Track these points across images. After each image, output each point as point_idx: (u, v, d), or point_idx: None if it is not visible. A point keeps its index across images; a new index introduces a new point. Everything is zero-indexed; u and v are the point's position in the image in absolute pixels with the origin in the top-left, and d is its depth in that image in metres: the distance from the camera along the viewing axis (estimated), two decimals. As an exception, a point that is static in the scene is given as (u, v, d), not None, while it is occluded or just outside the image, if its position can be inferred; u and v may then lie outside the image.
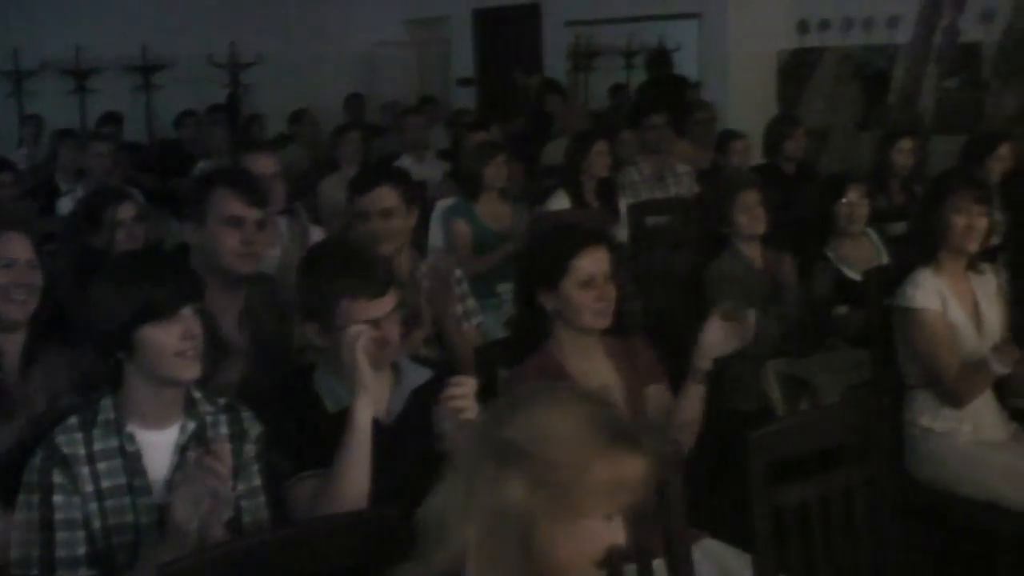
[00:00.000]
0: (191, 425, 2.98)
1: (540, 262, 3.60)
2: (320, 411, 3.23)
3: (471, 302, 4.82)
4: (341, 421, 3.11)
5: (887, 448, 3.35)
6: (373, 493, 3.06)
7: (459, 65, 14.02)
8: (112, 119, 11.48)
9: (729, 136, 8.17)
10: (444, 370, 3.44)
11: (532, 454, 1.99)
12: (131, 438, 2.90)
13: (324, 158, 9.54)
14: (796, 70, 10.94)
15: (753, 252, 5.45)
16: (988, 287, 4.54)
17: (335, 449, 3.06)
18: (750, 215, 5.40)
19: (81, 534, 2.82)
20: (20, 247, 3.56)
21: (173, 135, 11.79)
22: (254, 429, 3.08)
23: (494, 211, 6.58)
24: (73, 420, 2.90)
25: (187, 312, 2.89)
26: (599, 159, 7.16)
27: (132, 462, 2.89)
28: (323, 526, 2.80)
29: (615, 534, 2.05)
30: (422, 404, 3.18)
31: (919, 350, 4.35)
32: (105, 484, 2.86)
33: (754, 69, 10.79)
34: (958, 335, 4.34)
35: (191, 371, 2.91)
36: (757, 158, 8.12)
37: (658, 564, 3.06)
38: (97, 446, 2.87)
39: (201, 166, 9.00)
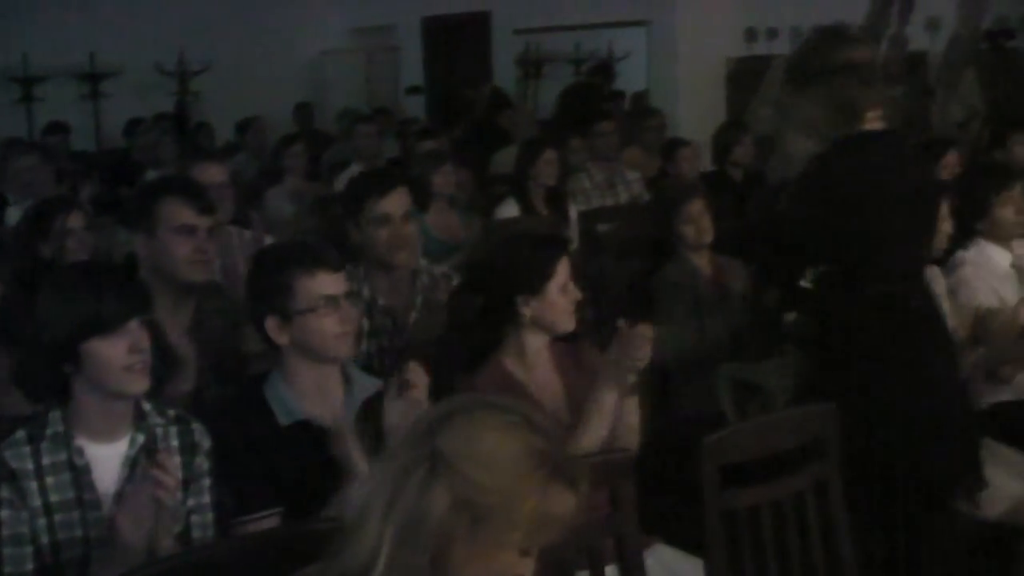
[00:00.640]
0: (140, 438, 2.95)
1: (524, 268, 3.58)
2: (271, 424, 3.21)
3: None
4: (292, 435, 3.11)
5: (838, 452, 3.36)
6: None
7: (408, 73, 14.02)
8: (58, 128, 11.38)
9: (677, 143, 8.21)
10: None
11: (463, 472, 1.93)
12: (80, 452, 2.87)
13: (270, 168, 9.50)
14: (745, 78, 10.99)
15: (701, 260, 5.46)
16: (938, 288, 4.57)
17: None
18: (696, 226, 5.40)
19: (29, 550, 2.80)
20: None
21: (122, 144, 11.70)
22: (205, 442, 3.06)
23: (443, 220, 6.57)
24: (21, 433, 2.87)
25: (134, 325, 2.86)
26: (547, 167, 7.16)
27: (81, 476, 2.86)
28: (273, 536, 2.79)
29: (524, 570, 2.01)
30: (374, 414, 3.17)
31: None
32: (54, 498, 2.83)
33: (703, 76, 10.85)
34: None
35: (139, 385, 2.88)
36: (706, 165, 8.15)
37: (610, 570, 3.05)
38: (45, 460, 2.84)
39: (149, 175, 8.93)
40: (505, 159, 8.90)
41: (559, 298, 3.55)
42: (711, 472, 3.06)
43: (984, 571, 4.32)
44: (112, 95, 13.51)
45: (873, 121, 3.96)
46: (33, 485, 2.82)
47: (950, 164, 6.55)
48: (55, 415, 2.89)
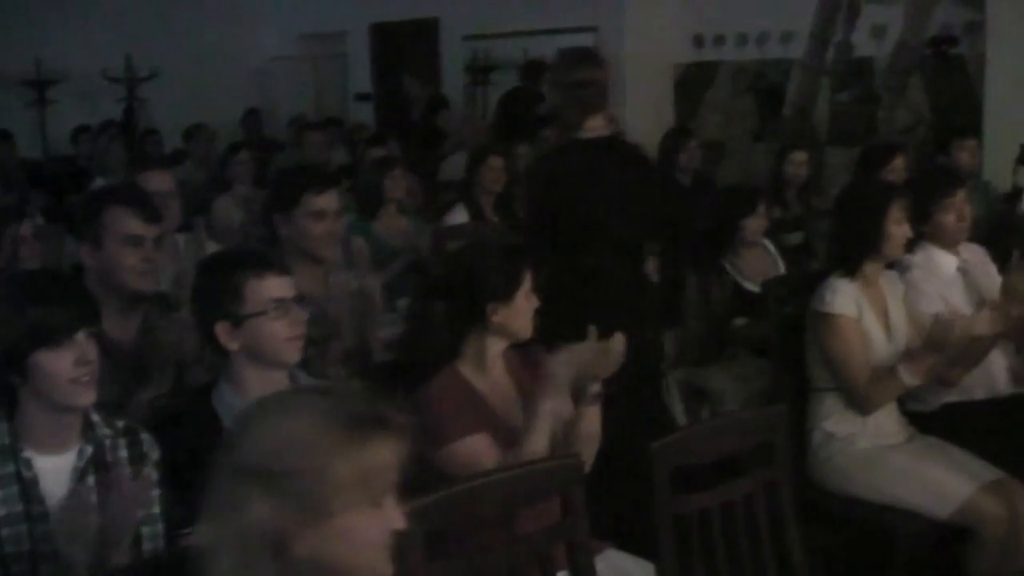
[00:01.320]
0: (89, 449, 2.92)
1: (496, 276, 3.58)
2: (220, 433, 3.18)
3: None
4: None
5: (788, 454, 3.39)
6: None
7: (356, 80, 13.99)
8: (2, 136, 11.29)
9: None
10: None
11: (268, 469, 1.96)
12: (28, 464, 2.84)
13: (217, 175, 9.46)
14: (692, 83, 11.06)
15: (650, 265, 5.48)
16: (896, 292, 4.61)
17: None
18: None
19: (-25, 564, 2.77)
20: None
21: (68, 151, 11.62)
22: (154, 452, 3.03)
23: (392, 227, 6.58)
24: (-33, 445, 2.84)
25: (82, 337, 2.83)
26: (492, 174, 7.17)
27: (29, 488, 2.83)
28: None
29: (390, 518, 2.04)
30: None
31: (833, 355, 4.39)
32: (1, 512, 2.80)
33: (651, 82, 10.88)
34: (871, 341, 4.41)
35: (86, 397, 2.86)
36: (655, 170, 8.18)
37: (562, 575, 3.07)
38: (-8, 472, 2.82)
39: (97, 183, 8.88)
40: (454, 166, 8.91)
41: (525, 304, 3.57)
42: (661, 476, 3.07)
43: (934, 571, 4.37)
44: (58, 102, 13.38)
45: (596, 129, 4.97)
46: (-20, 498, 2.79)
47: (897, 168, 6.62)
48: (2, 427, 2.86)
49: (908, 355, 4.37)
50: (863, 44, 9.84)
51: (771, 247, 6.06)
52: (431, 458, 3.40)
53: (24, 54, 12.99)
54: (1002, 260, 4.91)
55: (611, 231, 4.96)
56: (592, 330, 3.50)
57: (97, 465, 2.91)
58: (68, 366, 2.80)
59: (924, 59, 9.27)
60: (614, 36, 10.80)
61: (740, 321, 5.54)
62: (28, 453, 2.85)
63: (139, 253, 3.82)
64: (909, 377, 4.26)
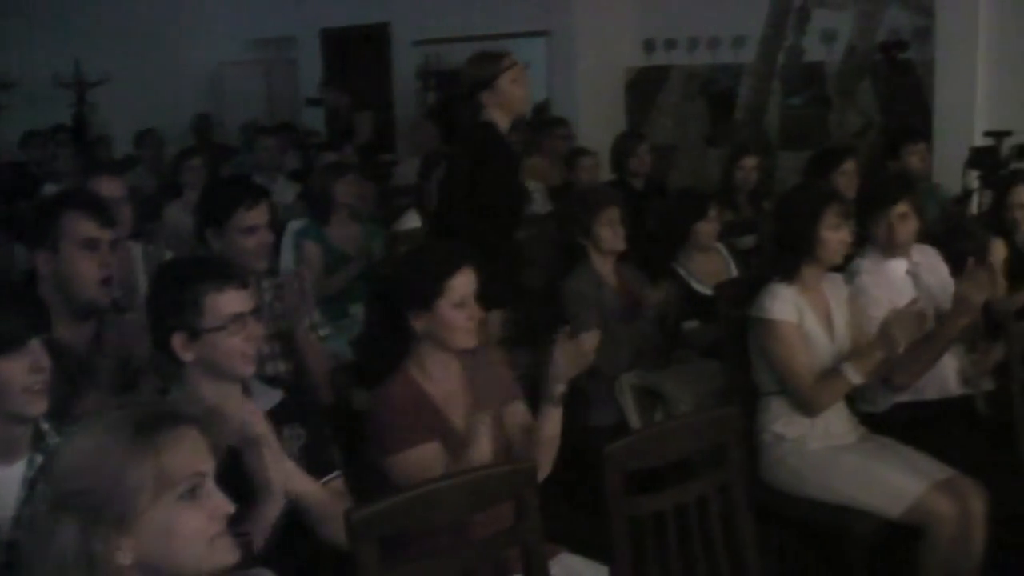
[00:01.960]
0: (39, 458, 2.89)
1: (414, 283, 3.57)
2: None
3: (317, 315, 4.83)
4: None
5: (740, 455, 3.40)
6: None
7: (308, 85, 13.94)
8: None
9: (578, 153, 8.26)
10: (295, 390, 3.43)
11: (70, 491, 2.00)
12: (-22, 474, 2.82)
13: (169, 181, 9.41)
14: (644, 88, 11.09)
15: (607, 268, 5.50)
16: (840, 295, 4.64)
17: None
18: (613, 230, 5.46)
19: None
20: None
21: (18, 157, 11.52)
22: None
23: (344, 232, 6.56)
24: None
25: (35, 345, 2.81)
26: None
27: (-22, 498, 2.81)
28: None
29: (210, 507, 2.08)
30: (275, 427, 3.15)
31: (776, 360, 4.42)
32: (-50, 522, 2.78)
33: (602, 86, 10.91)
34: (813, 345, 4.43)
35: (38, 406, 2.83)
36: (606, 174, 8.20)
37: (517, 580, 3.08)
38: (-57, 481, 2.79)
39: (47, 189, 8.82)
40: (407, 171, 8.90)
41: (453, 314, 3.52)
42: (614, 480, 3.08)
43: (885, 569, 4.39)
44: (7, 107, 13.26)
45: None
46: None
47: (848, 171, 6.66)
48: (-49, 436, 2.84)
49: (855, 352, 4.41)
50: (813, 49, 9.91)
51: (723, 250, 6.08)
52: (381, 465, 3.40)
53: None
54: (955, 262, 4.95)
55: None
56: (566, 329, 3.51)
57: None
58: (21, 374, 2.78)
59: (874, 64, 9.34)
60: (566, 41, 10.82)
61: (691, 324, 5.56)
62: (-22, 463, 2.83)
63: (95, 258, 3.80)
64: (855, 375, 4.30)
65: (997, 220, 5.93)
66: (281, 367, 4.50)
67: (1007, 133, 6.87)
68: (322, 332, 4.81)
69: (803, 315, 4.43)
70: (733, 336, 4.70)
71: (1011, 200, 5.89)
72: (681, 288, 5.63)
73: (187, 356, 3.15)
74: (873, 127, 9.39)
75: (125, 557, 2.00)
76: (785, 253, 4.50)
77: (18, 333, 2.80)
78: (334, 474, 3.25)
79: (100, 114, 13.67)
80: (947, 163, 7.38)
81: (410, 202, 7.44)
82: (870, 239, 4.89)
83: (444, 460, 3.37)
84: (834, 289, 4.64)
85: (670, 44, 10.76)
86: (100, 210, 3.92)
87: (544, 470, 3.46)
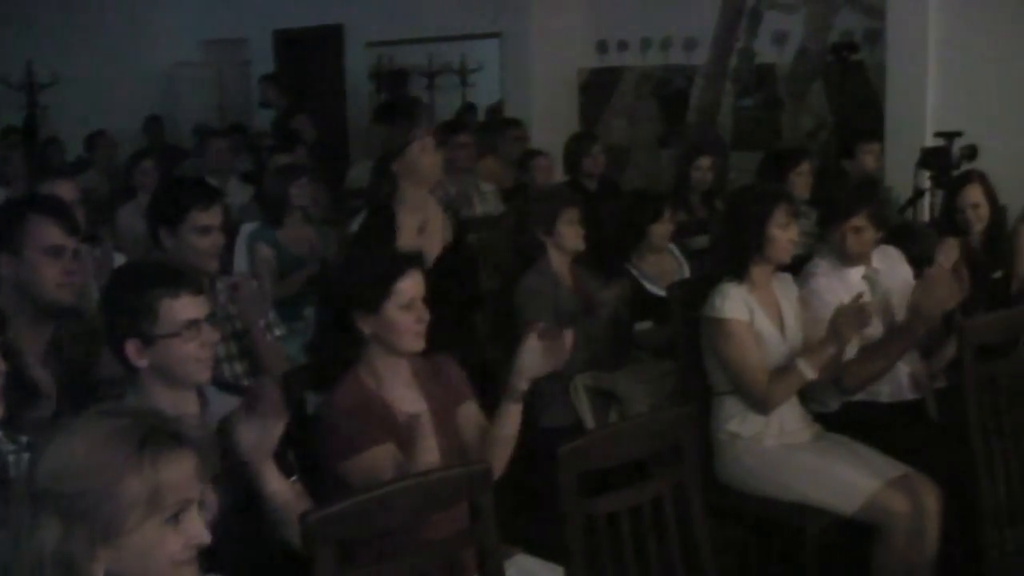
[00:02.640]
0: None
1: (360, 285, 3.56)
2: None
3: (272, 315, 4.81)
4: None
5: (695, 455, 3.41)
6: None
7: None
8: None
9: (531, 154, 8.26)
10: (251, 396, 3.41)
11: (59, 492, 1.97)
12: (-71, 477, 2.80)
13: (121, 184, 9.35)
14: (597, 89, 11.10)
15: (563, 268, 5.50)
16: (790, 294, 4.66)
17: None
18: (574, 230, 5.46)
19: None
20: None
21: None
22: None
23: (297, 235, 6.53)
24: None
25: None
26: None
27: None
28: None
29: (189, 533, 2.06)
30: (231, 433, 3.13)
31: (727, 359, 4.44)
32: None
33: (556, 88, 10.92)
34: (765, 343, 4.45)
35: None
36: (559, 176, 8.21)
37: (472, 581, 3.07)
38: None
39: (-1, 192, 8.74)
40: (360, 173, 8.87)
41: (400, 317, 3.51)
42: (569, 480, 3.08)
43: (839, 567, 4.42)
44: (-43, 109, 13.18)
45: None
46: None
47: (805, 172, 6.72)
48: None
49: (807, 348, 4.43)
50: (765, 51, 9.95)
51: (676, 251, 6.10)
52: (334, 469, 3.39)
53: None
54: (917, 263, 5.00)
55: None
56: (540, 326, 3.50)
57: (2, 482, 2.86)
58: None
59: (826, 65, 9.38)
60: (519, 42, 10.83)
61: (644, 325, 5.57)
62: (-71, 467, 2.80)
63: (60, 265, 3.78)
64: (808, 370, 4.32)
65: (950, 220, 5.99)
66: (238, 368, 4.49)
67: (958, 134, 6.91)
68: (278, 332, 4.80)
69: (754, 313, 4.45)
70: (686, 336, 4.71)
71: (962, 201, 5.93)
72: (634, 289, 5.63)
73: (141, 363, 3.12)
74: (825, 128, 9.44)
75: (99, 568, 1.98)
76: (734, 252, 4.52)
77: None
78: (292, 478, 3.24)
79: (51, 117, 13.57)
80: (898, 164, 7.43)
81: (363, 204, 7.41)
82: (827, 243, 4.91)
83: (399, 462, 3.36)
84: (784, 288, 4.66)
85: (623, 45, 10.78)
86: (67, 217, 3.90)
87: (498, 469, 3.46)
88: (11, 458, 2.92)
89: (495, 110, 11.55)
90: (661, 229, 5.86)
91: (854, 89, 9.06)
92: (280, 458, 3.16)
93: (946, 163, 6.81)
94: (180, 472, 2.03)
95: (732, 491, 4.48)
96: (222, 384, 3.53)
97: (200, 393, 3.25)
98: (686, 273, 5.96)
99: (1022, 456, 4.04)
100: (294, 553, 2.88)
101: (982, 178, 6.03)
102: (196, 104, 14.09)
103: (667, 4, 10.35)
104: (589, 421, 5.15)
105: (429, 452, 3.33)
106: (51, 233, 3.79)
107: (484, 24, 11.10)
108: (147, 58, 14.32)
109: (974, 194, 5.96)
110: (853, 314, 4.29)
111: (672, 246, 6.06)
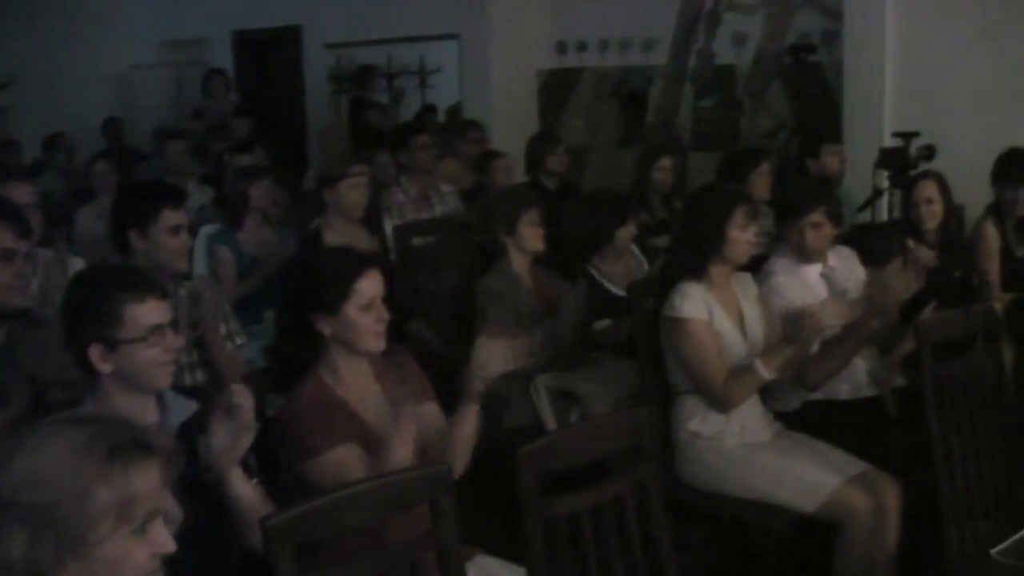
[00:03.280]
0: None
1: (320, 286, 3.55)
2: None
3: (234, 323, 4.79)
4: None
5: (656, 455, 3.41)
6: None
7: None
8: None
9: (491, 155, 8.26)
10: (211, 401, 3.39)
11: (28, 501, 1.95)
12: None
13: (80, 186, 9.29)
14: (556, 90, 11.11)
15: (524, 269, 5.50)
16: (750, 293, 4.68)
17: None
18: (535, 231, 5.47)
19: None
20: None
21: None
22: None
23: (257, 237, 6.50)
24: None
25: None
26: None
27: None
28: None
29: (156, 544, 2.05)
30: (191, 438, 3.11)
31: (687, 358, 4.45)
32: None
33: (515, 89, 10.91)
34: (725, 342, 4.47)
35: None
36: (519, 177, 8.21)
37: (434, 583, 3.06)
38: None
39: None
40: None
41: (360, 318, 3.51)
42: (530, 481, 3.08)
43: (800, 564, 4.44)
44: (-89, 111, 13.06)
45: None
46: None
47: (764, 172, 6.76)
48: None
49: (765, 349, 4.46)
50: (724, 52, 9.98)
51: (636, 251, 6.11)
52: (298, 470, 3.38)
53: None
54: (872, 262, 5.04)
55: None
56: (496, 327, 3.50)
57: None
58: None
59: (784, 66, 9.43)
60: (477, 43, 10.81)
61: (602, 323, 5.56)
62: None
63: (10, 268, 3.76)
64: (765, 371, 4.35)
65: (908, 219, 6.05)
66: (200, 377, 4.46)
67: (915, 134, 6.95)
68: (239, 341, 4.78)
69: (713, 313, 4.47)
70: (647, 336, 4.72)
71: (916, 196, 6.01)
72: (594, 289, 5.64)
73: (104, 367, 3.09)
74: (784, 128, 9.48)
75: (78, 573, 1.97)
76: (694, 252, 4.54)
77: None
78: (253, 480, 3.22)
79: (7, 119, 13.45)
80: (857, 164, 7.46)
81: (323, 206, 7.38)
82: (786, 241, 4.94)
83: (364, 462, 3.35)
84: (743, 287, 4.68)
85: (581, 46, 10.79)
86: (19, 220, 3.87)
87: (458, 470, 3.45)
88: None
89: (454, 111, 11.54)
90: (626, 233, 5.85)
91: (812, 90, 9.11)
92: (241, 461, 3.15)
93: (904, 163, 6.85)
94: (149, 482, 2.02)
95: (693, 490, 4.50)
96: (181, 389, 3.51)
97: (160, 398, 3.23)
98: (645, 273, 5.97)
99: (980, 452, 4.07)
100: (256, 558, 2.87)
101: (938, 176, 6.12)
102: (155, 105, 13.99)
103: (626, 5, 10.36)
104: (550, 422, 5.15)
105: (404, 448, 3.33)
106: (3, 236, 3.76)
107: (443, 25, 11.09)
108: (105, 59, 14.22)
109: (928, 189, 6.04)
110: (800, 320, 4.32)
111: (632, 246, 6.07)
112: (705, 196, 4.81)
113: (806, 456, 4.41)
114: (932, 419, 3.95)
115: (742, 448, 4.46)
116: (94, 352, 3.08)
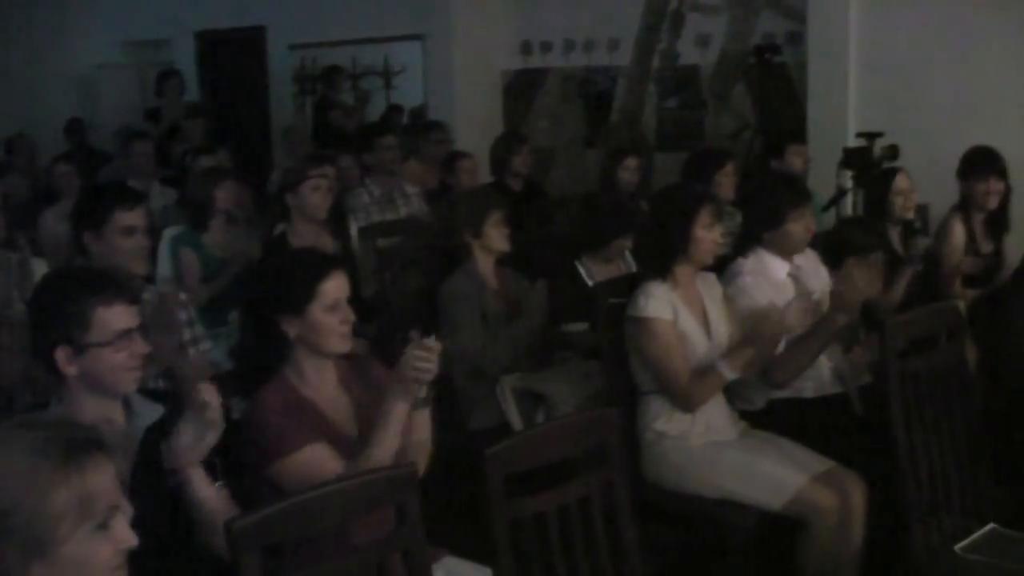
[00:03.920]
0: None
1: (285, 287, 3.53)
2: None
3: (198, 328, 4.76)
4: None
5: (622, 454, 3.41)
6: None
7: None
8: None
9: (456, 156, 8.25)
10: (177, 404, 3.37)
11: None
12: None
13: (43, 188, 9.23)
14: (521, 90, 11.11)
15: (488, 270, 5.50)
16: (715, 293, 4.69)
17: None
18: (500, 231, 5.47)
19: None
20: None
21: None
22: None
23: (222, 238, 6.46)
24: None
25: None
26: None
27: None
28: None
29: (119, 539, 2.05)
30: (156, 442, 3.09)
31: (652, 358, 4.46)
32: None
33: (479, 89, 10.91)
34: (689, 342, 4.48)
35: None
36: (484, 177, 8.21)
37: (400, 584, 3.05)
38: None
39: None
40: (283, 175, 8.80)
41: (326, 319, 3.50)
42: (496, 482, 3.07)
43: (767, 562, 4.45)
44: None
45: None
46: None
47: (729, 173, 6.78)
48: None
49: (728, 349, 4.47)
50: (688, 52, 10.01)
51: (629, 258, 6.10)
52: (266, 472, 3.36)
53: None
54: (833, 263, 5.07)
55: None
56: (417, 335, 3.47)
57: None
58: None
59: (748, 67, 9.45)
60: (442, 43, 10.81)
61: (578, 326, 5.54)
62: None
63: None
64: (728, 371, 4.36)
65: (877, 213, 6.10)
66: (163, 384, 4.44)
67: (879, 134, 6.99)
68: (203, 347, 4.75)
69: (678, 313, 4.48)
70: (612, 336, 4.72)
71: (892, 189, 6.07)
72: (576, 286, 5.62)
73: (70, 371, 3.07)
74: (748, 128, 9.51)
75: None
76: (659, 252, 4.54)
77: None
78: (217, 483, 3.20)
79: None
80: (821, 164, 7.49)
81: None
82: (758, 241, 4.95)
83: (335, 463, 3.34)
84: (708, 287, 4.69)
85: (546, 47, 10.80)
86: None
87: (418, 473, 3.44)
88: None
89: (418, 113, 11.54)
90: (622, 244, 5.84)
91: (776, 90, 9.14)
92: (205, 463, 3.13)
93: (868, 163, 6.89)
94: (105, 478, 2.01)
95: (659, 489, 4.50)
96: (148, 392, 3.49)
97: (126, 402, 3.21)
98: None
99: (944, 449, 4.09)
100: (220, 562, 2.86)
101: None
102: (118, 106, 13.92)
103: (590, 5, 10.38)
104: (516, 422, 5.14)
105: (390, 445, 3.32)
106: None
107: (407, 26, 11.09)
108: (67, 59, 14.15)
109: (904, 182, 6.11)
110: (765, 321, 4.34)
111: (627, 253, 6.06)
112: (671, 196, 4.81)
113: (772, 454, 4.42)
114: (897, 416, 3.96)
115: (708, 447, 4.47)
116: (60, 354, 3.06)
